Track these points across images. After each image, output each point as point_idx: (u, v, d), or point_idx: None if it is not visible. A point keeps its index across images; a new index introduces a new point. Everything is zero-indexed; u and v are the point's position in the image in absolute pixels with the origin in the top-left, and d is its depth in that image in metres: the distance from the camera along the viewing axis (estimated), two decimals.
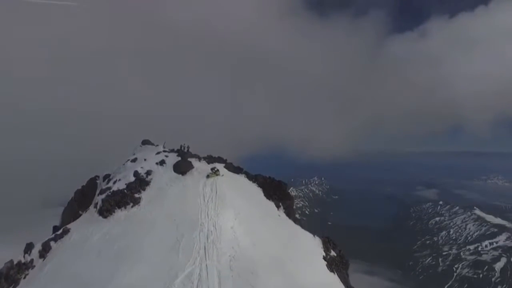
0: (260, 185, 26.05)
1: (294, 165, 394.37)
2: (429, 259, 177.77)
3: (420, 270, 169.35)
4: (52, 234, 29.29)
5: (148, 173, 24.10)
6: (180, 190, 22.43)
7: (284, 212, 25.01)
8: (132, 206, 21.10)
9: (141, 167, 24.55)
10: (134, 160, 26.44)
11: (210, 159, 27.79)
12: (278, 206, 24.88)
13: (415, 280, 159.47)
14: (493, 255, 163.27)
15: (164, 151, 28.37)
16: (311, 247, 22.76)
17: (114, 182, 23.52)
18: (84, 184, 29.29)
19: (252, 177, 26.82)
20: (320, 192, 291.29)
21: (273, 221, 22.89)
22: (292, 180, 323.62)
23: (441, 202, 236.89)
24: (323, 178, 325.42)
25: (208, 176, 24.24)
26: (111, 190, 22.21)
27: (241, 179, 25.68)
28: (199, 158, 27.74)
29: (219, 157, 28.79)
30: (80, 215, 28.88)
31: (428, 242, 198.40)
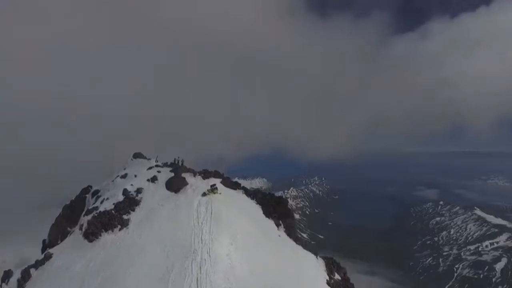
0: (259, 202, 24.40)
1: (295, 165, 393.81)
2: (429, 259, 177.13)
3: (420, 270, 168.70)
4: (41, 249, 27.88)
5: (139, 191, 22.42)
6: (172, 210, 20.76)
7: (285, 231, 23.40)
8: (120, 229, 19.45)
9: (131, 184, 22.87)
10: (124, 176, 24.76)
11: (205, 174, 26.12)
12: (278, 225, 23.29)
13: (415, 281, 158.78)
14: (493, 255, 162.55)
15: (157, 165, 26.74)
16: (313, 270, 21.22)
17: (102, 202, 21.86)
18: (73, 198, 27.73)
19: (251, 193, 25.21)
20: (320, 192, 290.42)
21: (273, 243, 21.32)
22: (293, 180, 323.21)
23: (441, 202, 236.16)
24: (323, 178, 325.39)
25: (204, 194, 22.62)
26: (98, 211, 20.54)
27: (239, 196, 23.99)
28: (194, 173, 26.00)
29: (215, 171, 27.09)
30: (68, 232, 27.34)
31: (428, 242, 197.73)
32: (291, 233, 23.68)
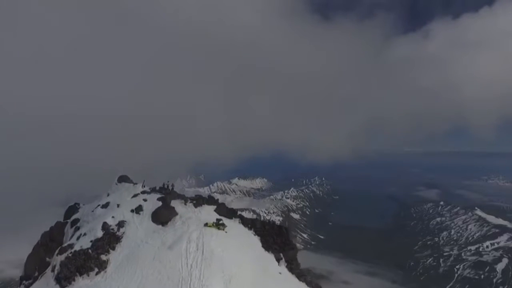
0: (257, 232, 21.77)
1: (295, 166, 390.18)
2: (430, 259, 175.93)
3: (421, 271, 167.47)
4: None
5: (120, 224, 19.77)
6: (158, 249, 18.11)
7: (287, 266, 20.83)
8: (96, 273, 16.87)
9: (112, 217, 20.20)
10: (105, 206, 22.11)
11: (198, 201, 23.43)
12: (279, 259, 20.70)
13: (416, 281, 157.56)
14: (494, 255, 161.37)
15: (144, 192, 23.81)
16: None
17: (78, 237, 19.19)
18: (53, 225, 25.08)
19: (248, 222, 22.63)
20: (320, 193, 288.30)
21: (273, 283, 18.79)
22: (293, 180, 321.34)
23: (442, 203, 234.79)
24: (323, 179, 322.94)
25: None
26: (73, 250, 17.89)
27: (235, 226, 21.33)
28: (185, 200, 23.36)
29: (210, 197, 24.49)
30: (47, 262, 24.74)
31: (429, 242, 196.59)
32: (293, 267, 21.12)
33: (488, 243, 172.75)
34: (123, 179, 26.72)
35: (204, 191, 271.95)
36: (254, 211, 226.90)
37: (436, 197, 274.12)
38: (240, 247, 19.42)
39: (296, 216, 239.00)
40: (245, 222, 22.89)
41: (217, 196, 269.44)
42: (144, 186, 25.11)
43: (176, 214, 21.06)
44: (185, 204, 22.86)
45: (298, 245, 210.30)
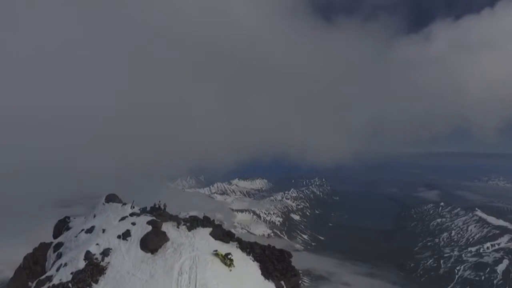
0: (256, 258, 20.00)
1: (296, 167, 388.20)
2: (430, 260, 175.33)
3: (421, 272, 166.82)
4: None
5: (105, 253, 17.91)
6: (146, 282, 16.29)
7: None
8: None
9: (97, 244, 18.36)
10: (90, 230, 20.20)
11: (192, 223, 21.41)
12: None
13: (417, 282, 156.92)
14: (495, 257, 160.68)
15: (132, 214, 21.83)
16: None
17: (58, 268, 17.34)
18: (37, 246, 23.24)
19: (247, 246, 20.80)
20: (321, 193, 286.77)
21: None
22: (293, 181, 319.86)
23: (442, 204, 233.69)
24: (324, 180, 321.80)
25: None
26: (51, 284, 16.09)
27: (232, 251, 19.52)
28: (178, 222, 21.39)
29: (205, 218, 22.54)
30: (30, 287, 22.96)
31: (429, 243, 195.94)
32: None
33: (488, 244, 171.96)
34: (111, 198, 24.43)
35: (204, 192, 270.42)
36: (254, 212, 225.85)
37: (436, 198, 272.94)
38: (238, 279, 17.65)
39: (296, 217, 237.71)
40: (243, 246, 20.98)
41: (217, 197, 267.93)
42: (134, 207, 23.00)
43: (167, 240, 19.29)
44: (178, 227, 20.99)
45: (298, 245, 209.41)
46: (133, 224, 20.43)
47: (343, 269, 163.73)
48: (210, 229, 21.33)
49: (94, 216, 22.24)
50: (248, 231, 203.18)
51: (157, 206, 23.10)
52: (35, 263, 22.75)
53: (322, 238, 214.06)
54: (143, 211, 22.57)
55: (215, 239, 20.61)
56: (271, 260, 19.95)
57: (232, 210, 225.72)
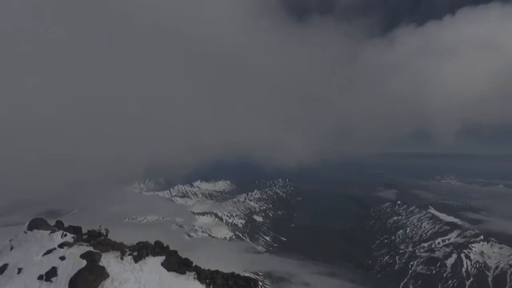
0: None
1: (260, 169, 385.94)
2: (386, 257, 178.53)
3: (378, 269, 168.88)
4: None
5: None
6: None
7: None
8: None
9: None
10: (1, 270, 14.61)
11: (139, 252, 16.50)
12: None
13: (374, 279, 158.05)
14: (445, 251, 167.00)
15: (63, 244, 16.25)
16: None
17: None
18: None
19: (206, 277, 16.60)
20: (284, 194, 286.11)
21: None
22: (257, 182, 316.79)
23: (399, 202, 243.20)
24: (287, 180, 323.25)
25: None
26: None
27: (189, 284, 15.43)
28: (122, 252, 16.58)
29: (157, 243, 17.51)
30: None
31: (386, 241, 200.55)
32: None
33: (439, 239, 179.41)
34: (36, 224, 17.75)
35: (164, 195, 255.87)
36: (216, 215, 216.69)
37: (394, 197, 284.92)
38: None
39: (259, 218, 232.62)
40: (202, 277, 16.64)
41: (177, 200, 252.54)
42: (65, 235, 17.01)
43: (107, 276, 14.59)
44: (122, 258, 16.17)
45: (260, 247, 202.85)
46: (62, 258, 15.52)
47: (304, 269, 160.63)
48: (162, 258, 16.92)
49: (12, 248, 16.25)
50: (209, 235, 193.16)
51: (98, 231, 18.03)
52: None
53: (284, 239, 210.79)
54: (78, 239, 17.28)
55: (168, 270, 16.43)
56: None
57: (193, 213, 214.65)
